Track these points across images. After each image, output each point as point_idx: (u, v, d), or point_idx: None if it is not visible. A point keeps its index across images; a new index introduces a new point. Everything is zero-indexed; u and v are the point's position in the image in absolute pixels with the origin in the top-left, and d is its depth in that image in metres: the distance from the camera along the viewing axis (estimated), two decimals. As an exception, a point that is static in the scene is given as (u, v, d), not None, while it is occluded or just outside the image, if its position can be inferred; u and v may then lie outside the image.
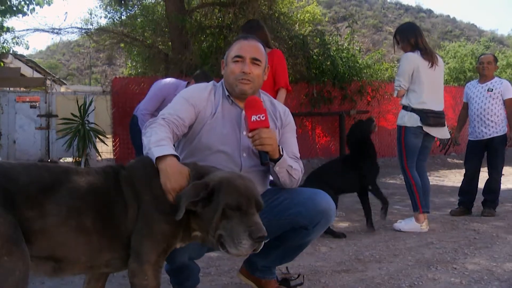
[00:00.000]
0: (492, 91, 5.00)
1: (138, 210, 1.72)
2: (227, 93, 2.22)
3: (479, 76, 5.22)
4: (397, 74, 4.26)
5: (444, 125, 4.32)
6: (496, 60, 5.21)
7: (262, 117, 2.00)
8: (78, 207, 1.62)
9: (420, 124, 4.16)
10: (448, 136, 4.50)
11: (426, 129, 4.18)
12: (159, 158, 1.78)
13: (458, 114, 5.63)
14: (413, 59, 4.17)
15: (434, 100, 4.22)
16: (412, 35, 4.26)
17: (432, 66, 4.17)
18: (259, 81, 2.21)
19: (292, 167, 2.15)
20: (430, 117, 4.16)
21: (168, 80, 4.84)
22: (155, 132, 1.91)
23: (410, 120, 4.20)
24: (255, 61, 2.16)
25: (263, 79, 2.24)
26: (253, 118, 1.99)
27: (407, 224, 4.20)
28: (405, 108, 4.25)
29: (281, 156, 2.08)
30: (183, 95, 2.18)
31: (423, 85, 4.16)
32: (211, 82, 2.32)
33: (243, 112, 2.16)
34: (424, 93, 4.17)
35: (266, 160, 2.04)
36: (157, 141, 1.85)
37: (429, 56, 4.18)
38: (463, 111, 5.42)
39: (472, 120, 5.14)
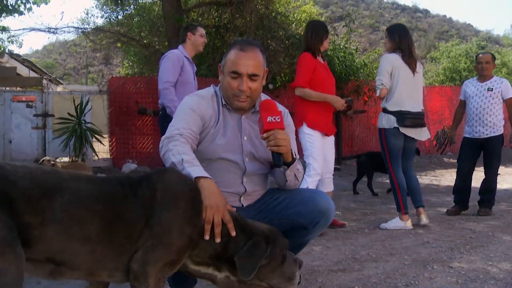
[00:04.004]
0: (492, 90, 4.95)
1: (159, 218, 1.66)
2: (223, 102, 2.20)
3: (478, 76, 5.16)
4: (377, 74, 4.31)
5: (423, 126, 4.35)
6: (494, 58, 5.16)
7: (278, 118, 1.98)
8: (83, 215, 1.57)
9: (396, 125, 4.22)
10: (428, 136, 4.52)
11: (403, 130, 4.23)
12: (198, 178, 1.80)
13: (454, 112, 5.56)
14: (391, 59, 4.24)
15: (412, 101, 4.27)
16: (396, 36, 4.30)
17: (411, 71, 4.24)
18: (257, 93, 2.18)
19: (298, 170, 2.17)
20: (407, 118, 4.22)
21: (174, 52, 4.57)
22: (182, 151, 1.91)
23: (388, 122, 4.27)
24: (253, 77, 2.11)
25: (262, 87, 2.21)
26: (269, 119, 1.98)
27: (392, 223, 4.28)
28: (383, 110, 4.33)
29: (294, 159, 2.09)
30: (190, 106, 2.14)
31: (401, 86, 4.22)
32: (212, 88, 2.28)
33: (243, 116, 2.18)
34: (401, 94, 4.23)
35: (279, 162, 2.02)
36: (190, 160, 1.87)
37: (410, 60, 4.24)
38: (459, 109, 5.35)
39: (470, 118, 5.08)
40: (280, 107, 2.38)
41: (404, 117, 4.21)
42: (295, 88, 4.20)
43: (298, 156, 2.32)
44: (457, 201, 5.09)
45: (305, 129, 4.11)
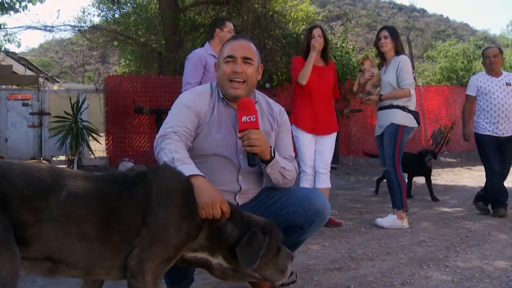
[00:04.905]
0: (510, 85, 4.74)
1: (155, 216, 1.66)
2: (221, 95, 2.22)
3: (488, 70, 4.89)
4: (406, 73, 4.21)
5: None
6: (501, 52, 4.92)
7: (253, 118, 1.99)
8: (79, 213, 1.56)
9: (416, 125, 4.35)
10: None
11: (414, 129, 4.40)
12: (190, 176, 1.80)
13: (462, 109, 5.14)
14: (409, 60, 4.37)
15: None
16: (400, 37, 4.42)
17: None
18: (252, 80, 2.20)
19: (285, 168, 2.16)
20: (417, 118, 4.37)
21: (196, 52, 4.40)
22: (174, 149, 1.90)
23: (410, 120, 4.30)
24: (246, 60, 2.15)
25: (256, 78, 2.23)
26: (244, 119, 1.99)
27: (388, 221, 4.29)
28: (402, 108, 4.27)
29: (272, 158, 2.08)
30: (185, 103, 2.14)
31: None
32: (209, 84, 2.30)
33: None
34: (414, 95, 4.36)
35: (254, 161, 2.04)
36: (181, 159, 1.86)
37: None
38: (469, 105, 4.99)
39: (495, 115, 4.73)
40: (277, 106, 2.39)
41: (418, 116, 4.37)
42: (296, 83, 4.36)
43: (292, 155, 2.32)
44: (500, 202, 4.74)
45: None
